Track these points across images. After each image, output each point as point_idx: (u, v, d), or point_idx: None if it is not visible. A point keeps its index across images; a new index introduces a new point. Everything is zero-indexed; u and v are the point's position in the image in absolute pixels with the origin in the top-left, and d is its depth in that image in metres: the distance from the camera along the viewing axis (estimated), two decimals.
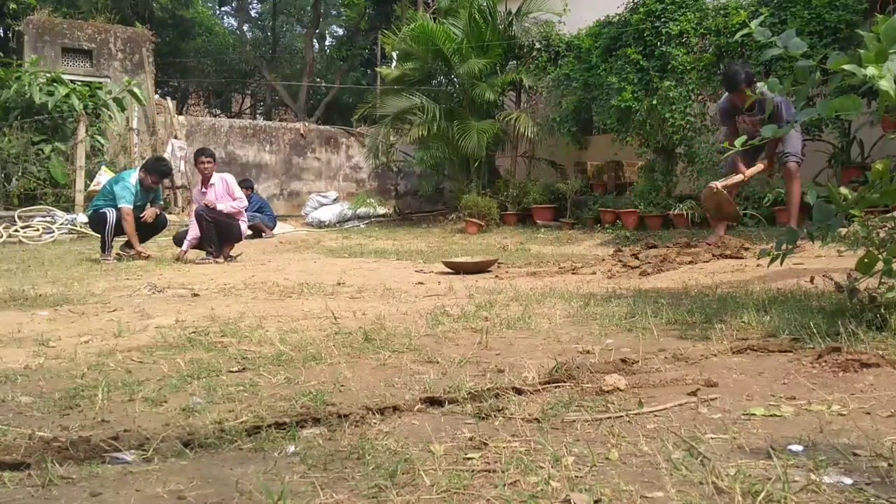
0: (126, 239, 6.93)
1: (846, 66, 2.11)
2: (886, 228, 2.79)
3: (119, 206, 6.73)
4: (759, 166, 5.68)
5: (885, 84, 2.04)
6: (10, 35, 15.09)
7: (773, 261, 2.67)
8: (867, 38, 2.14)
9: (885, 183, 2.31)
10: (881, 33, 2.11)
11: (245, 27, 26.20)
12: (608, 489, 1.23)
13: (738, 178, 5.68)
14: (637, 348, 2.37)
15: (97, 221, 6.86)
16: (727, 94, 5.74)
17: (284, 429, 1.62)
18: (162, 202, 7.50)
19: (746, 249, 5.43)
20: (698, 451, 1.39)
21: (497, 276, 5.16)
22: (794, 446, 1.41)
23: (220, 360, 2.37)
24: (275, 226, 11.30)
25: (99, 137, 11.88)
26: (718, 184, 5.58)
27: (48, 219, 10.09)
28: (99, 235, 6.92)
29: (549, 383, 1.94)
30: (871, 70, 2.06)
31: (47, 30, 13.03)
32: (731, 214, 5.78)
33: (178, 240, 7.14)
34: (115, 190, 6.81)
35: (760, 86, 5.44)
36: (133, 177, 6.94)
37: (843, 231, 3.35)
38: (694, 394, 1.82)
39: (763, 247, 3.95)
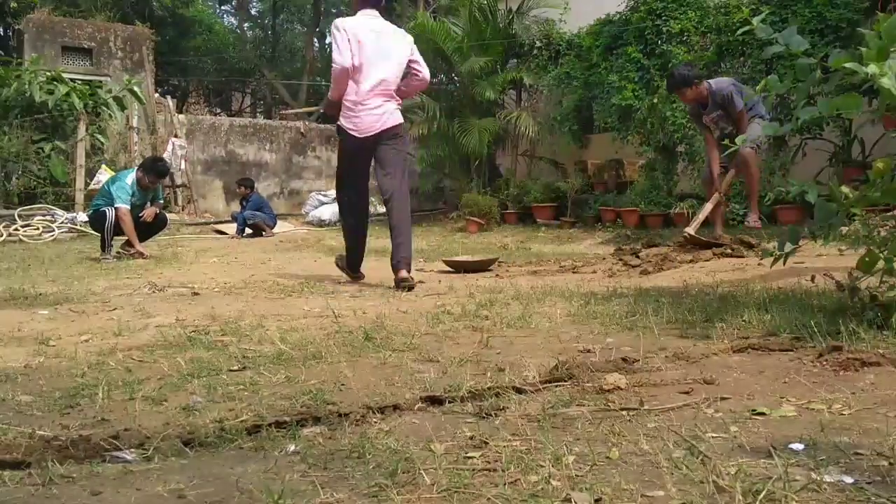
0: (126, 238, 6.93)
1: (847, 64, 2.11)
2: (887, 227, 2.79)
3: (115, 206, 6.73)
4: (732, 172, 5.65)
5: (886, 82, 2.03)
6: (11, 34, 15.07)
7: (775, 262, 2.67)
8: (868, 37, 2.13)
9: (886, 181, 2.31)
10: (882, 31, 2.11)
11: (245, 26, 26.19)
12: (609, 488, 1.22)
13: (709, 205, 5.60)
14: (638, 347, 2.36)
15: (97, 220, 6.87)
16: None
17: (285, 428, 1.61)
18: (162, 201, 7.49)
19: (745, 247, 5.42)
20: (699, 449, 1.39)
21: (498, 275, 5.16)
22: (795, 445, 1.40)
23: (221, 359, 2.36)
24: (275, 224, 11.30)
25: (99, 136, 11.87)
26: (690, 230, 5.45)
27: (48, 217, 10.08)
28: (99, 234, 6.93)
29: (549, 382, 1.94)
30: (872, 68, 2.06)
31: (47, 28, 13.00)
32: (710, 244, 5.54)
33: None
34: (111, 190, 6.81)
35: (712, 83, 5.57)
36: (130, 177, 6.94)
37: (845, 230, 3.35)
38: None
39: (765, 246, 3.93)
